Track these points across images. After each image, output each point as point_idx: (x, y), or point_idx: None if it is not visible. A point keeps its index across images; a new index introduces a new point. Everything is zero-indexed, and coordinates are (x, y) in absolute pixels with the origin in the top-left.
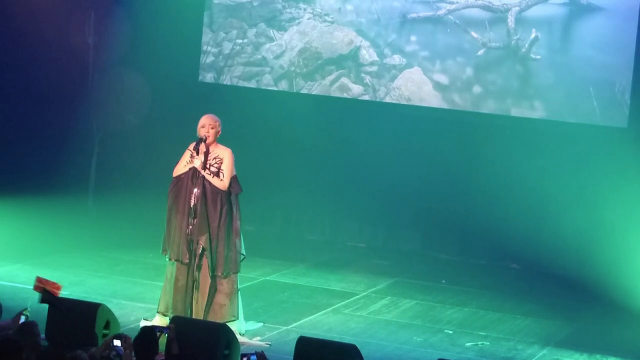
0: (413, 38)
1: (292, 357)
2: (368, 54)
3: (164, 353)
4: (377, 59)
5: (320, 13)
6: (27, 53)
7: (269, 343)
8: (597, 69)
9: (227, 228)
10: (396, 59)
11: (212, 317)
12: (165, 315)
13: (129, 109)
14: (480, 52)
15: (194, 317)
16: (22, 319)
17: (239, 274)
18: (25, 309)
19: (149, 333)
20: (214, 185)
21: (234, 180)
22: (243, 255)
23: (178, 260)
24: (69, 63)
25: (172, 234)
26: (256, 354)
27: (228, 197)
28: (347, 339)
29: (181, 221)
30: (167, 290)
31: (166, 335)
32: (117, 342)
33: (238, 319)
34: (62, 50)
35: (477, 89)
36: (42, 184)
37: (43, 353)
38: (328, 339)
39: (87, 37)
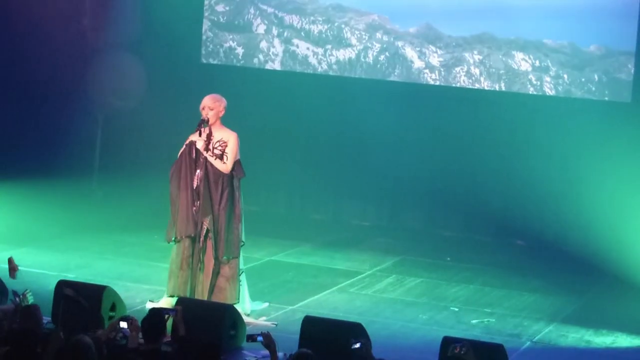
0: (417, 15)
1: (298, 337)
2: (370, 33)
3: (170, 334)
4: (380, 37)
5: None
6: (26, 36)
7: (275, 323)
8: (600, 43)
9: (229, 211)
10: (399, 37)
11: (214, 300)
12: (173, 297)
13: (131, 91)
14: (484, 29)
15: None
16: (30, 299)
17: (243, 255)
18: (27, 290)
19: (157, 315)
20: (215, 168)
21: (237, 164)
22: (242, 242)
23: (185, 236)
24: (69, 45)
25: (178, 211)
26: (262, 334)
27: (230, 180)
28: (352, 318)
29: (185, 198)
30: (173, 272)
31: (173, 317)
32: (123, 324)
33: (239, 302)
34: (61, 33)
35: (480, 65)
36: (47, 167)
37: (47, 335)
38: (334, 317)
39: (83, 18)
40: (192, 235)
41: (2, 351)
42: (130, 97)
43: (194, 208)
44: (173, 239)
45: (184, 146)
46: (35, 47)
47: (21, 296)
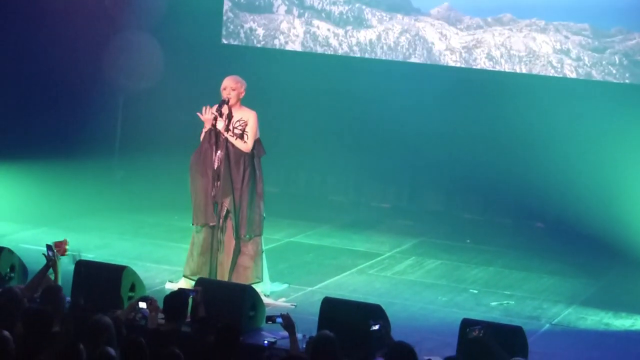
0: None
1: (317, 318)
2: (391, 15)
3: (190, 315)
4: (401, 18)
5: None
6: (48, 17)
7: (294, 304)
8: (622, 26)
9: (251, 190)
10: (419, 18)
11: (237, 279)
12: (190, 279)
13: (151, 72)
14: (505, 10)
15: (219, 279)
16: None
17: (263, 235)
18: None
19: (181, 295)
20: (236, 148)
21: (257, 142)
22: (263, 216)
23: (205, 224)
24: (90, 26)
25: (197, 198)
26: (281, 315)
27: (251, 159)
28: (372, 299)
29: (206, 184)
30: (192, 254)
31: (193, 297)
32: (142, 305)
33: (262, 280)
34: (82, 13)
35: (501, 47)
36: (67, 148)
37: (67, 315)
38: (353, 299)
39: None
40: (212, 224)
41: (19, 330)
42: (151, 78)
43: (214, 189)
44: (191, 225)
45: (203, 132)
46: (57, 28)
47: (55, 250)
